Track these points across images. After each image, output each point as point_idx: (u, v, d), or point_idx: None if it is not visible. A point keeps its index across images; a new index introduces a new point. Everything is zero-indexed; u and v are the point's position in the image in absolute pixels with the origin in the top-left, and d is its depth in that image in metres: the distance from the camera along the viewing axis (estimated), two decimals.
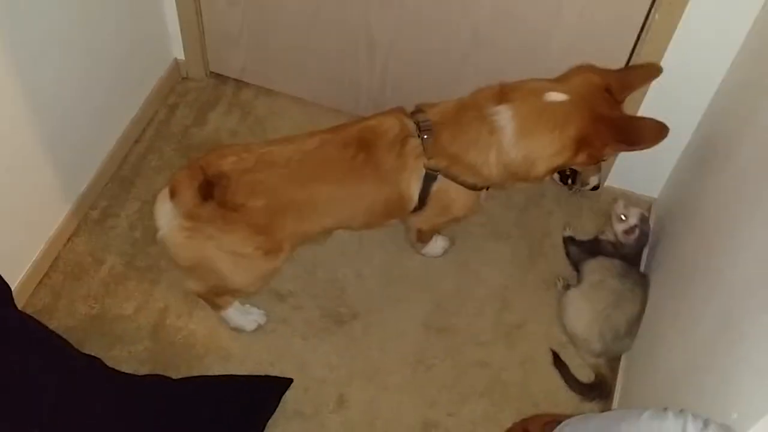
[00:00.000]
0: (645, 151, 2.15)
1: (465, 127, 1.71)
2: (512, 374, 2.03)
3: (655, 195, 2.33)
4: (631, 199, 2.32)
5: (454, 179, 1.76)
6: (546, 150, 1.67)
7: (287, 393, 1.94)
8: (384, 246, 2.23)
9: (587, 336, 2.00)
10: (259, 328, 2.05)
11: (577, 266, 2.14)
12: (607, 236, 2.12)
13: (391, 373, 2.02)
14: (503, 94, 1.69)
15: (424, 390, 1.99)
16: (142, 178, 2.33)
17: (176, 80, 2.57)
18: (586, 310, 2.01)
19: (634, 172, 2.29)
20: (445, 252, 2.22)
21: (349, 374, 2.00)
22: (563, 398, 1.99)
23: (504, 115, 1.66)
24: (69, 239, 2.18)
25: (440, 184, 1.77)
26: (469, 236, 2.27)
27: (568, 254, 2.22)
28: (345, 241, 2.21)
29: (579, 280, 2.09)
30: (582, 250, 2.15)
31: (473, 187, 1.79)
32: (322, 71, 2.41)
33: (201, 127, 2.47)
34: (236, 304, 2.00)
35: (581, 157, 1.68)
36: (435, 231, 2.13)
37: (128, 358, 1.97)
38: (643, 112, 2.06)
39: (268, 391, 1.93)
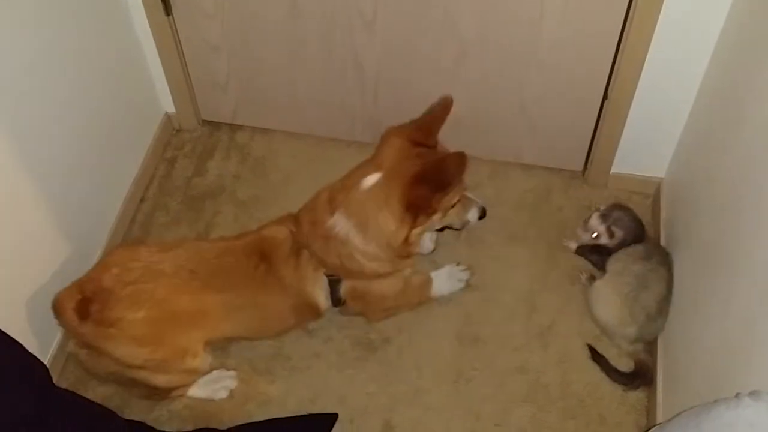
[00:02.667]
0: (645, 130, 2.20)
1: (324, 243, 1.77)
2: (551, 375, 2.03)
3: (662, 175, 2.34)
4: (637, 183, 2.35)
5: (359, 278, 1.84)
6: (389, 230, 1.72)
7: (334, 428, 1.93)
8: None
9: (620, 322, 2.00)
10: (294, 368, 2.04)
11: (604, 267, 2.11)
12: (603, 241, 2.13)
13: (432, 392, 2.01)
14: (332, 200, 1.75)
15: (467, 403, 1.99)
16: (154, 237, 2.33)
17: (170, 134, 2.57)
18: (614, 297, 2.00)
19: (637, 155, 2.29)
20: (454, 289, 2.16)
21: (391, 399, 2.00)
22: (607, 391, 1.99)
23: (341, 224, 1.74)
24: None
25: (347, 283, 1.86)
26: (484, 244, 2.27)
27: (592, 262, 2.20)
28: None
29: (603, 273, 2.09)
30: (601, 252, 2.13)
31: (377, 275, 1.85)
32: (314, 103, 2.42)
33: (203, 177, 2.47)
34: (200, 380, 1.96)
35: (422, 219, 1.72)
36: (387, 316, 2.09)
37: (170, 418, 1.96)
38: (638, 91, 2.08)
39: (316, 429, 1.93)
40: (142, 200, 2.42)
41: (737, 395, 1.11)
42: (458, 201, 1.83)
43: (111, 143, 2.25)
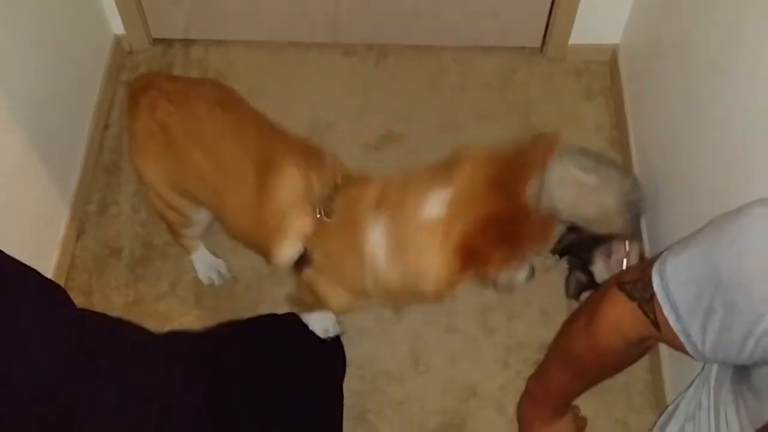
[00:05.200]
0: None
1: (343, 244, 1.47)
2: None
3: (617, 41, 2.42)
4: (594, 51, 2.42)
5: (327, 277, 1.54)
6: (425, 271, 1.35)
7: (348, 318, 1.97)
8: None
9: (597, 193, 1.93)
10: None
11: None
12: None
13: None
14: (380, 209, 1.41)
15: None
16: (127, 160, 2.28)
17: (123, 56, 2.49)
18: (574, 187, 1.91)
19: (593, 23, 2.34)
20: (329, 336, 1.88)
21: None
22: None
23: (375, 240, 1.39)
24: (78, 238, 2.13)
25: (312, 272, 1.54)
26: (459, 127, 2.32)
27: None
28: None
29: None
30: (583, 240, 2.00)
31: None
32: (272, 6, 2.37)
33: None
34: (203, 251, 2.00)
35: (469, 272, 1.32)
36: (309, 309, 1.81)
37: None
38: None
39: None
40: (106, 126, 2.35)
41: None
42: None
43: (66, 71, 2.16)
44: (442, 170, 1.36)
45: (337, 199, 1.47)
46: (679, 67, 1.90)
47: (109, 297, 2.04)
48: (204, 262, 2.04)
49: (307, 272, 1.54)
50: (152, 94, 1.63)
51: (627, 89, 2.31)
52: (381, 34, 2.46)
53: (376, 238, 1.39)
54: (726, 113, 1.60)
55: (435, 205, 1.32)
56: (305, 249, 1.50)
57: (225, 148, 1.58)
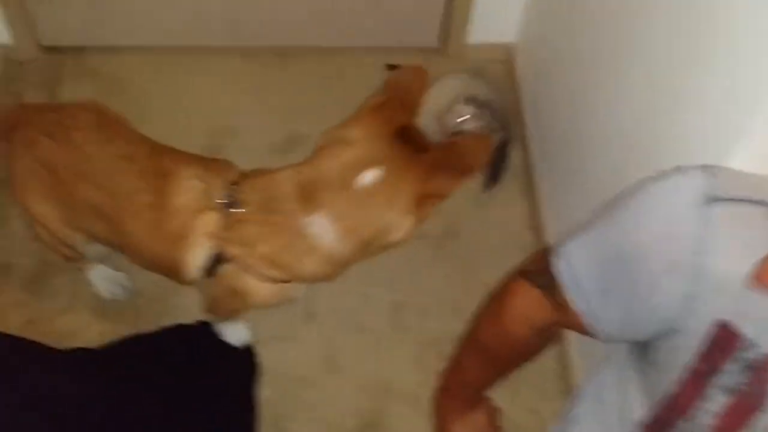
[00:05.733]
0: None
1: (279, 235, 1.44)
2: None
3: (512, 39, 2.47)
4: (493, 50, 2.47)
5: (252, 273, 1.49)
6: (390, 230, 1.42)
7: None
8: None
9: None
10: None
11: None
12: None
13: None
14: (308, 196, 1.41)
15: (379, 277, 2.05)
16: None
17: (11, 66, 2.38)
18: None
19: (490, 21, 2.40)
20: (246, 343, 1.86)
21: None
22: None
23: (320, 226, 1.41)
24: None
25: (231, 269, 1.49)
26: None
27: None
28: None
29: None
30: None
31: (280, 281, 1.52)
32: (168, 9, 2.32)
33: None
34: (101, 267, 1.94)
35: (427, 212, 1.43)
36: (229, 315, 1.75)
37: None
38: None
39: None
40: None
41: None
42: None
43: None
44: (342, 143, 1.41)
45: (245, 189, 1.46)
46: (571, 63, 1.95)
47: (5, 318, 1.94)
48: (104, 278, 1.97)
49: (225, 270, 1.49)
50: (27, 131, 1.56)
51: (523, 87, 2.36)
52: (280, 36, 2.44)
53: (319, 221, 1.40)
54: (617, 108, 1.66)
55: (369, 174, 1.37)
56: (218, 248, 1.47)
57: (115, 175, 1.52)
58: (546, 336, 1.24)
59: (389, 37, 2.46)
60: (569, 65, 1.97)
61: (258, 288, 1.51)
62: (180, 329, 1.83)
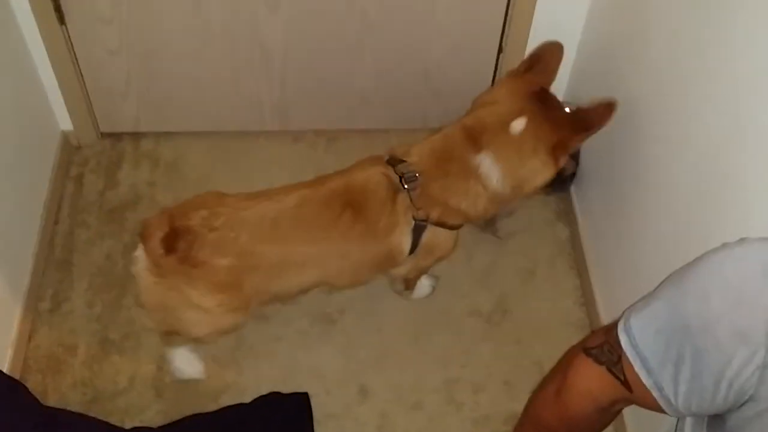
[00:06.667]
0: None
1: (453, 178, 1.72)
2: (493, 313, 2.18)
3: None
4: None
5: (442, 225, 1.77)
6: (534, 174, 1.73)
7: (313, 402, 1.97)
8: None
9: None
10: (259, 356, 2.06)
11: None
12: None
13: (398, 349, 2.09)
14: (473, 138, 1.70)
15: (433, 354, 2.09)
16: (79, 254, 2.25)
17: (71, 152, 2.48)
18: None
19: None
20: (434, 289, 2.19)
21: (360, 365, 2.06)
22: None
23: (488, 163, 1.70)
24: (30, 338, 2.08)
25: (429, 231, 1.77)
26: None
27: None
28: None
29: None
30: None
31: (458, 227, 1.83)
32: (220, 98, 2.42)
33: (116, 189, 2.41)
34: (183, 350, 1.97)
35: (561, 162, 1.74)
36: (421, 275, 2.10)
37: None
38: (530, 42, 2.23)
39: (290, 410, 1.94)
40: (56, 222, 2.32)
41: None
42: None
43: (14, 169, 2.14)
44: (491, 101, 1.74)
45: (413, 161, 1.72)
46: (620, 138, 2.00)
47: (66, 397, 1.98)
48: (185, 358, 1.99)
49: (425, 236, 1.76)
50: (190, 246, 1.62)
51: None
52: (329, 119, 2.52)
53: (487, 161, 1.69)
54: (671, 182, 1.69)
55: (519, 122, 1.67)
56: (419, 217, 1.73)
57: (304, 222, 1.70)
58: (609, 413, 1.24)
59: (440, 119, 2.52)
60: (618, 140, 2.01)
61: (447, 237, 1.81)
62: (240, 408, 1.86)
